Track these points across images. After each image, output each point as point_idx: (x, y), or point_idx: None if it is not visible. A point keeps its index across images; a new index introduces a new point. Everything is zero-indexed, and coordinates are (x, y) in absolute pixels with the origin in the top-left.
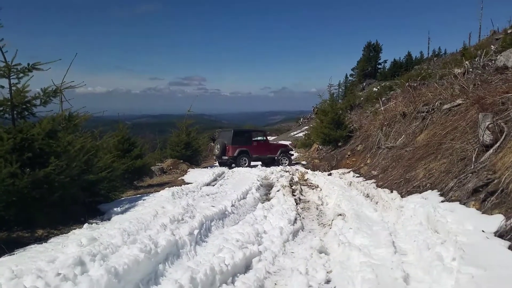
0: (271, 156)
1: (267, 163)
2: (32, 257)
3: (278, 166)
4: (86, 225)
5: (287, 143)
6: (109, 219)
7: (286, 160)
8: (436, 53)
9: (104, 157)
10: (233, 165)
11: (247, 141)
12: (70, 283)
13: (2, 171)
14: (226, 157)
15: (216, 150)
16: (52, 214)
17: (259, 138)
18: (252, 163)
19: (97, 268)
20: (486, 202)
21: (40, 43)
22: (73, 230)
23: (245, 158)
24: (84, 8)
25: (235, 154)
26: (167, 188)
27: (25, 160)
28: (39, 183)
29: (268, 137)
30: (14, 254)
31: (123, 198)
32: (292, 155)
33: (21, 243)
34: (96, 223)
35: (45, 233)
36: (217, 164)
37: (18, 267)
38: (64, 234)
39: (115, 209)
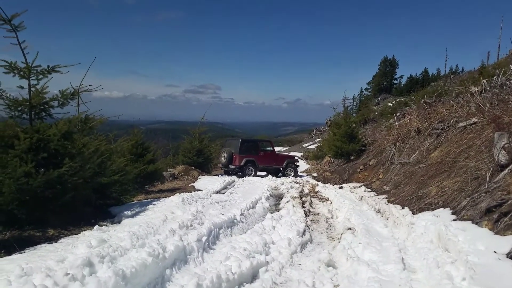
0: (277, 166)
1: (273, 174)
2: (42, 256)
3: (284, 177)
4: (96, 227)
5: (299, 154)
6: (119, 222)
7: (292, 171)
8: (453, 70)
9: (117, 161)
10: (239, 173)
11: (254, 151)
12: (78, 283)
13: (17, 170)
14: (232, 166)
15: (223, 159)
16: (63, 215)
17: (266, 148)
18: (262, 173)
19: (105, 270)
20: (499, 223)
21: (59, 46)
22: (83, 232)
23: (252, 167)
24: (104, 14)
25: (242, 164)
26: (178, 194)
27: (40, 160)
28: (52, 184)
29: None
30: (24, 252)
31: (133, 202)
32: (298, 166)
33: (32, 242)
34: (106, 225)
35: (56, 233)
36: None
37: (28, 265)
38: (75, 235)
39: (125, 212)
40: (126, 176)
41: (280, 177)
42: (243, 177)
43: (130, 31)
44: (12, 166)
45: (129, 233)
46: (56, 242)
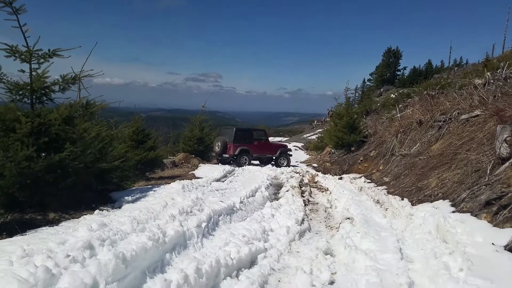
0: (271, 155)
1: (266, 163)
2: (43, 238)
3: (278, 166)
4: (97, 211)
5: (299, 145)
6: (119, 207)
7: (285, 161)
8: (458, 62)
9: (118, 147)
10: (232, 162)
11: (248, 140)
12: (78, 265)
13: (18, 154)
14: (227, 155)
15: (217, 148)
16: (64, 199)
17: (260, 137)
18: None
19: (106, 253)
20: (498, 215)
21: (60, 32)
22: (84, 216)
23: (246, 157)
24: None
25: (236, 153)
26: (178, 181)
27: (41, 144)
28: (53, 168)
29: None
30: (26, 235)
31: (134, 188)
32: (291, 155)
33: (33, 225)
34: (107, 210)
35: (57, 216)
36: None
37: (30, 246)
38: (75, 219)
39: (126, 197)
40: (126, 162)
41: (279, 166)
42: (238, 166)
43: (132, 18)
44: (14, 149)
45: (129, 218)
46: (57, 225)
